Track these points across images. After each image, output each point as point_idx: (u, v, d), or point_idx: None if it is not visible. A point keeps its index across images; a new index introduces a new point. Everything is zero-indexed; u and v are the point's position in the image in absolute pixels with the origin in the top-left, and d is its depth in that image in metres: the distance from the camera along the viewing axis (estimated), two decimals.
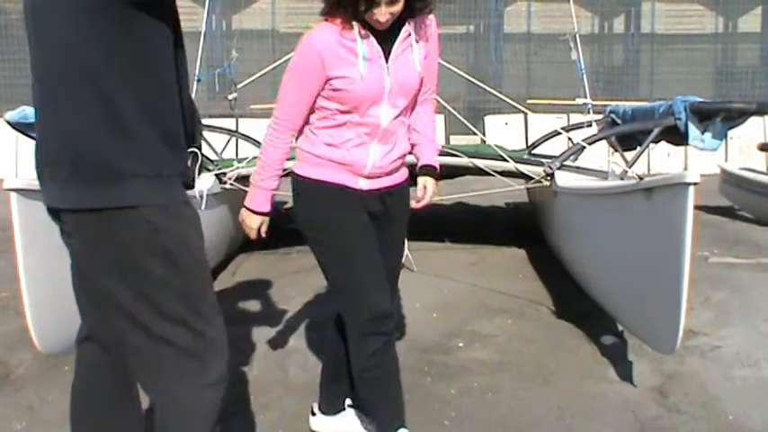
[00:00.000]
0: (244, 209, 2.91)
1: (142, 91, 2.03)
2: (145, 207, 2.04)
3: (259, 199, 2.89)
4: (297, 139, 2.88)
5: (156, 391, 2.20)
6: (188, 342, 2.10)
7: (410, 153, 2.96)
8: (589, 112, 6.79)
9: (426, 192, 2.92)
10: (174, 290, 2.08)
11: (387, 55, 2.70)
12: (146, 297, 2.07)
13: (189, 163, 2.21)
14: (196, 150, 2.20)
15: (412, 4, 2.65)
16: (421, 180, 2.96)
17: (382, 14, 2.59)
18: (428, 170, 2.95)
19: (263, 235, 2.93)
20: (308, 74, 2.69)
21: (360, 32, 2.65)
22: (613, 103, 6.76)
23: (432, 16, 2.79)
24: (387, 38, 2.69)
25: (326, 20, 2.69)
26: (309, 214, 2.89)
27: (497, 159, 5.61)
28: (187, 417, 2.15)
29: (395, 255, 3.01)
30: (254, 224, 2.90)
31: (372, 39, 2.67)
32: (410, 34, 2.73)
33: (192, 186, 2.23)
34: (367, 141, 2.77)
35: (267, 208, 2.90)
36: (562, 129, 7.27)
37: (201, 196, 2.35)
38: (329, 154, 2.80)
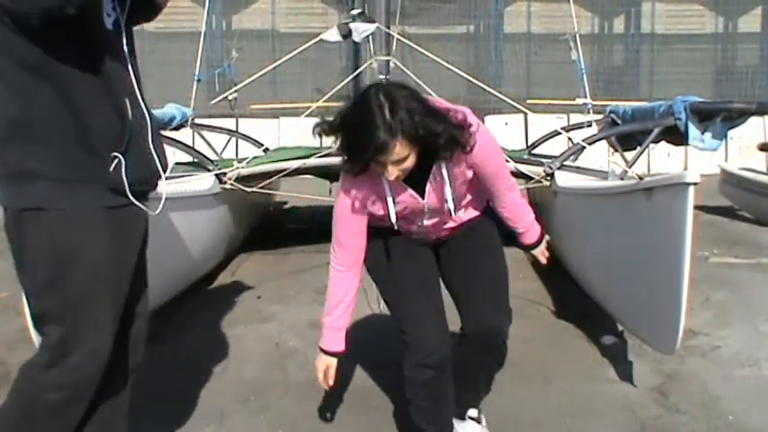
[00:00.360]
0: (318, 349, 2.88)
1: (54, 99, 2.07)
2: (50, 210, 2.10)
3: (330, 339, 2.84)
4: None
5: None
6: (54, 341, 2.17)
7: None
8: (589, 112, 6.78)
9: (545, 256, 3.07)
10: (56, 294, 2.14)
11: (422, 189, 2.68)
12: (32, 295, 2.21)
13: (116, 169, 2.16)
14: (119, 156, 2.15)
15: (438, 152, 2.51)
16: (533, 252, 3.07)
17: (390, 174, 2.48)
18: (534, 245, 3.05)
19: (330, 382, 2.86)
20: (351, 221, 2.72)
21: (387, 182, 2.60)
22: (613, 103, 6.75)
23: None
24: (419, 175, 2.61)
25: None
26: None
27: None
28: (20, 402, 2.22)
29: (483, 262, 2.92)
30: (320, 365, 2.84)
31: (401, 185, 2.62)
32: (440, 172, 2.64)
33: (123, 192, 2.19)
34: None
35: (340, 347, 2.84)
36: (562, 129, 7.25)
37: (160, 200, 2.33)
38: (377, 220, 2.80)
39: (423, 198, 2.68)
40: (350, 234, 2.75)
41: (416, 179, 2.62)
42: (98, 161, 2.13)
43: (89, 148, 2.12)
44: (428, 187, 2.67)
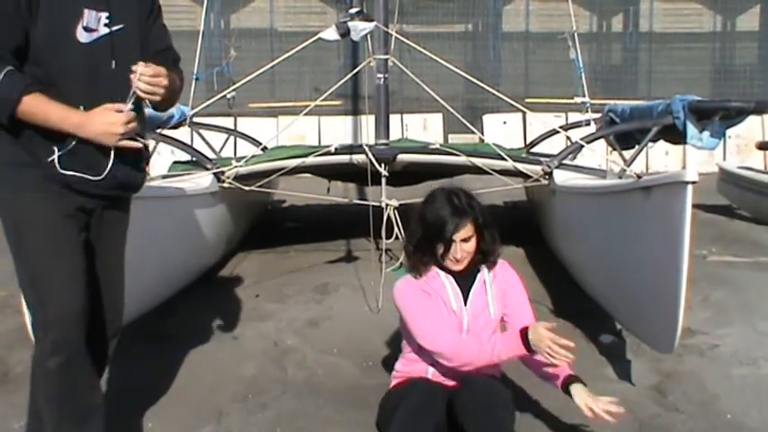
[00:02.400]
0: None
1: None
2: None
3: None
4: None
5: None
6: (34, 309, 2.51)
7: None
8: (587, 111, 6.78)
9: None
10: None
11: (465, 297, 3.00)
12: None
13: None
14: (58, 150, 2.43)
15: (481, 250, 2.97)
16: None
17: (458, 252, 2.88)
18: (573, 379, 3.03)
19: None
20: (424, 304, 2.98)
21: (442, 277, 2.98)
22: (612, 101, 6.76)
23: (505, 263, 3.09)
24: (464, 282, 3.00)
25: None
26: None
27: (496, 158, 5.61)
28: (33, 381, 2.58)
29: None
30: None
31: (452, 280, 2.98)
32: (484, 280, 3.02)
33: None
34: None
35: None
36: (560, 127, 7.26)
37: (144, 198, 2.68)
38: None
39: (465, 304, 2.98)
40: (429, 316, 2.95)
41: (462, 285, 3.00)
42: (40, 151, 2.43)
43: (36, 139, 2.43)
44: (472, 291, 3.00)
